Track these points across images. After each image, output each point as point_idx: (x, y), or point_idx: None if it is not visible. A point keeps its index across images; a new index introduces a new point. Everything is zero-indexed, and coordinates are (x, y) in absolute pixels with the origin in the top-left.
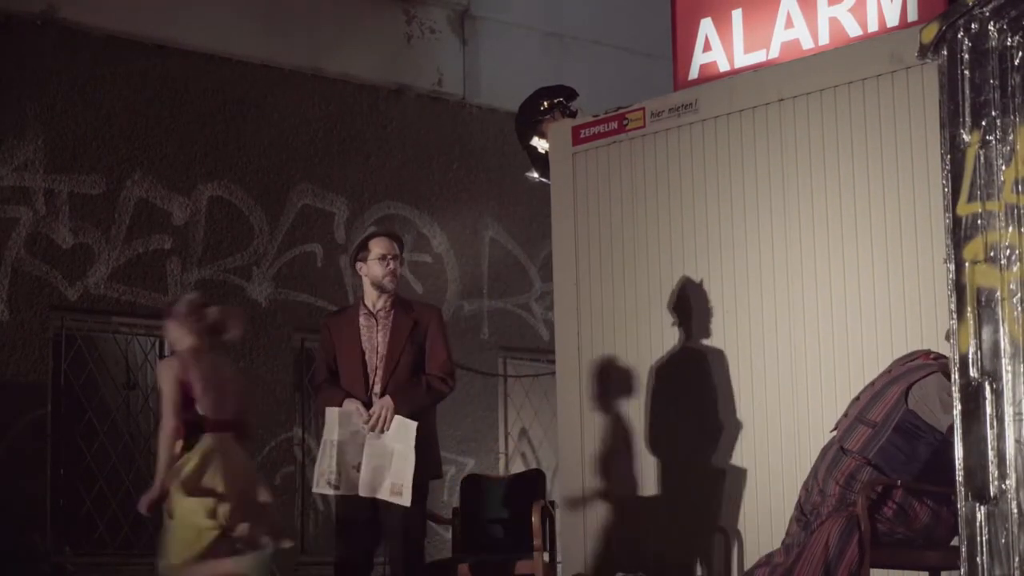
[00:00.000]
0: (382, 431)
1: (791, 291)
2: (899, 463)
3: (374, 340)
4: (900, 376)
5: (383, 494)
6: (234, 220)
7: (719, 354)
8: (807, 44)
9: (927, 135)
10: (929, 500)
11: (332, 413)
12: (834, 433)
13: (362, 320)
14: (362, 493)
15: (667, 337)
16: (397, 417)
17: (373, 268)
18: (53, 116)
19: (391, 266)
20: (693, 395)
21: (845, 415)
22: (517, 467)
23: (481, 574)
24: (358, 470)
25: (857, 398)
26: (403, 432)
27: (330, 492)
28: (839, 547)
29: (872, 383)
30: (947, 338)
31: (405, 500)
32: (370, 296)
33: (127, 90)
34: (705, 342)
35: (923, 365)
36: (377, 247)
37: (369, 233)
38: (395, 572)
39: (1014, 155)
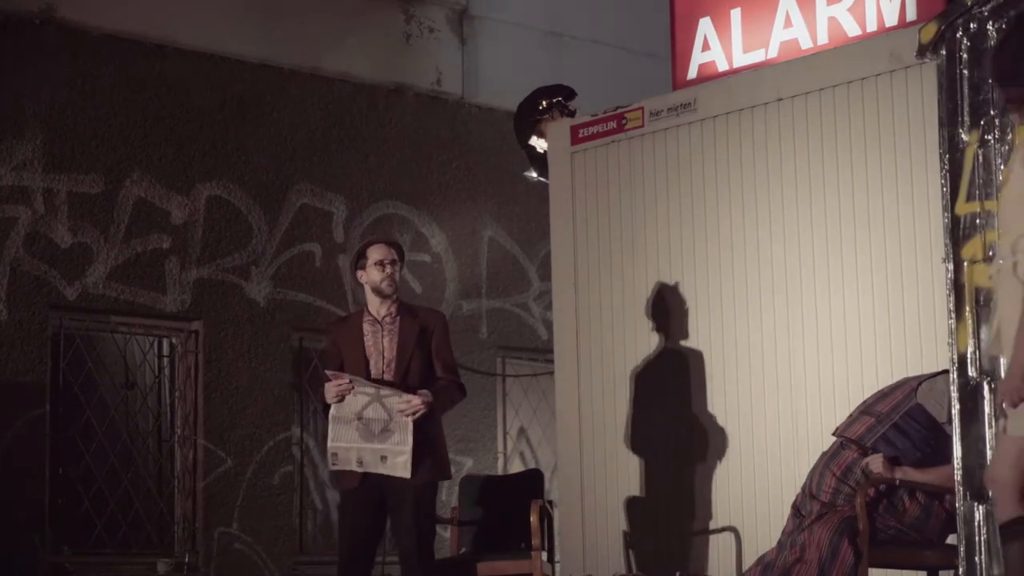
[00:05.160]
0: (411, 415)
1: (790, 289)
2: (894, 454)
3: (380, 345)
4: (907, 380)
5: (383, 467)
6: (232, 219)
7: (718, 353)
8: (806, 43)
9: (926, 134)
10: (920, 494)
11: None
12: (835, 439)
13: (366, 326)
14: (358, 443)
15: (665, 336)
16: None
17: (371, 274)
18: (52, 115)
19: (388, 271)
20: (692, 395)
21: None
22: (515, 467)
23: (479, 574)
24: (359, 418)
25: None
26: (403, 430)
27: (338, 467)
28: (831, 548)
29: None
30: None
31: (405, 471)
32: (373, 303)
33: (125, 89)
34: (703, 341)
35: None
36: (374, 253)
37: (367, 240)
38: (407, 544)
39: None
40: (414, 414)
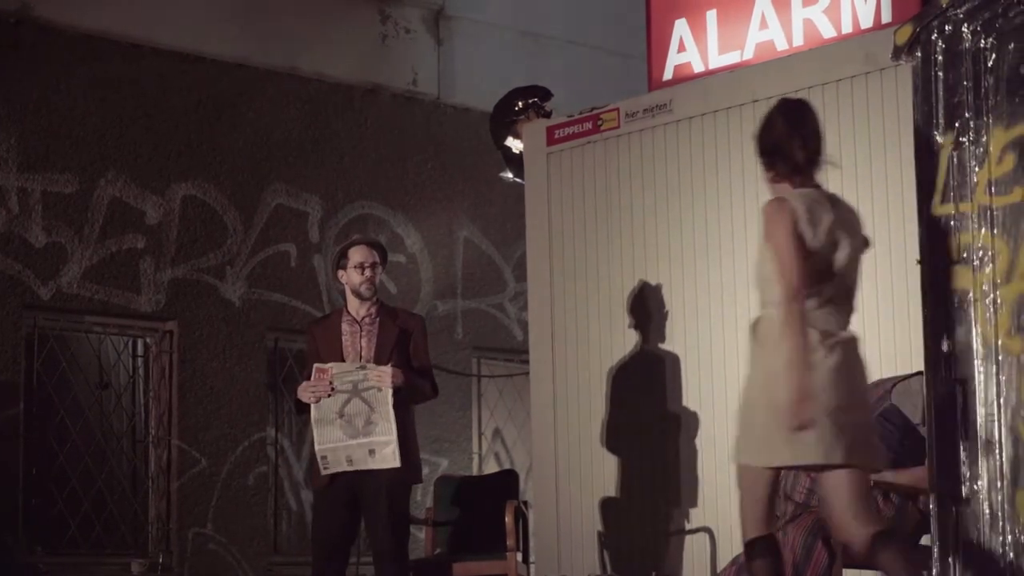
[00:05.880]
0: (379, 389)
1: None
2: None
3: (357, 345)
4: (882, 381)
5: (372, 462)
6: (208, 219)
7: (693, 354)
8: (781, 45)
9: (901, 137)
10: (894, 495)
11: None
12: None
13: (345, 326)
14: (345, 442)
15: (640, 338)
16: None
17: (351, 276)
18: (26, 115)
19: (367, 274)
20: (667, 395)
21: None
22: (490, 467)
23: (454, 574)
24: (340, 415)
25: None
26: (383, 406)
27: (331, 469)
28: (805, 549)
29: None
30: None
31: (395, 460)
32: (352, 303)
33: (101, 89)
34: (678, 343)
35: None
36: (355, 255)
37: (350, 240)
38: (381, 544)
39: (987, 157)
40: (388, 377)
